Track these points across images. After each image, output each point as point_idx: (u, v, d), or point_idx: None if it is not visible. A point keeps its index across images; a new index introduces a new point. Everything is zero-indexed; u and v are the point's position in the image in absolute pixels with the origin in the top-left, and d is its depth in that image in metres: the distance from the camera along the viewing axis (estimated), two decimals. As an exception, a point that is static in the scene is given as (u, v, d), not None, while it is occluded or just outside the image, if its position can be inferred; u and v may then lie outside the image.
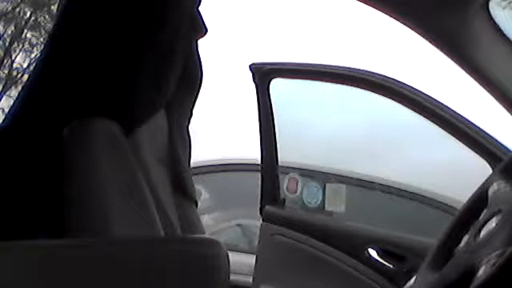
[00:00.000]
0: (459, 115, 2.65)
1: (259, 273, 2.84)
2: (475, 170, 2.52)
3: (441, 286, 1.35)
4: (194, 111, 1.68)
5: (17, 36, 12.09)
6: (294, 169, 3.04)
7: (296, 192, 2.99)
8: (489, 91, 2.14)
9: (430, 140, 3.00)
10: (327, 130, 3.29)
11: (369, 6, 2.11)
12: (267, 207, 2.90)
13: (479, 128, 2.62)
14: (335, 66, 2.87)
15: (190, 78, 1.63)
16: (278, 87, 2.89)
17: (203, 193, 4.26)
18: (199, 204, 1.67)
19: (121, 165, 1.36)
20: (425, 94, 2.70)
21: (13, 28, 12.15)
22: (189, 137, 1.66)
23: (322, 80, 2.92)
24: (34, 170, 1.33)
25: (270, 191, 2.93)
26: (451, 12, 2.03)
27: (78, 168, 1.33)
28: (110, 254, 1.17)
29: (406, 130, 3.11)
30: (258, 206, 2.94)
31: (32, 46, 12.05)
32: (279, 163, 2.94)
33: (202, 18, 1.60)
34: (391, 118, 3.02)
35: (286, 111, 2.99)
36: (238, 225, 4.32)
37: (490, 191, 1.47)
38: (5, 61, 11.98)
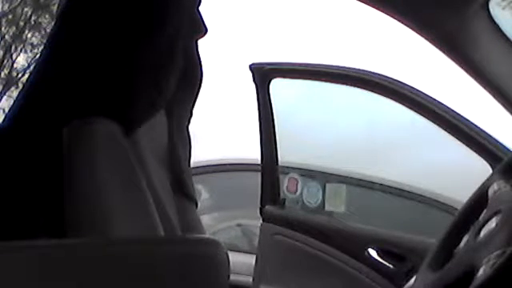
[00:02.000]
0: (459, 115, 2.65)
1: (259, 273, 2.84)
2: (475, 170, 2.52)
3: (441, 285, 1.35)
4: (194, 111, 1.68)
5: (17, 36, 12.09)
6: (293, 169, 3.04)
7: (296, 192, 2.98)
8: (489, 91, 2.14)
9: (430, 140, 3.00)
10: (327, 130, 3.28)
11: (369, 6, 2.11)
12: (267, 207, 2.90)
13: (479, 128, 2.62)
14: (335, 66, 2.87)
15: (190, 78, 1.63)
16: (278, 87, 2.89)
17: (203, 193, 4.26)
18: (199, 204, 1.67)
19: (121, 165, 1.36)
20: (425, 94, 2.70)
21: (13, 28, 12.15)
22: (189, 137, 1.66)
23: (322, 80, 2.92)
24: (34, 170, 1.33)
25: (270, 191, 2.93)
26: (451, 12, 2.03)
27: (78, 168, 1.33)
28: (110, 253, 1.17)
29: (406, 130, 3.11)
30: (258, 206, 2.94)
31: (32, 46, 12.06)
32: (279, 163, 2.94)
33: (202, 18, 1.60)
34: (391, 118, 3.02)
35: (286, 111, 2.99)
36: (238, 225, 4.32)
37: (490, 191, 1.47)
38: (5, 61, 11.98)
